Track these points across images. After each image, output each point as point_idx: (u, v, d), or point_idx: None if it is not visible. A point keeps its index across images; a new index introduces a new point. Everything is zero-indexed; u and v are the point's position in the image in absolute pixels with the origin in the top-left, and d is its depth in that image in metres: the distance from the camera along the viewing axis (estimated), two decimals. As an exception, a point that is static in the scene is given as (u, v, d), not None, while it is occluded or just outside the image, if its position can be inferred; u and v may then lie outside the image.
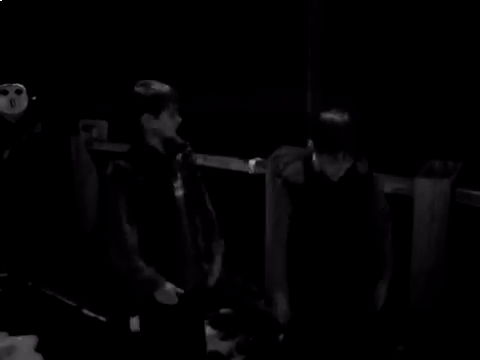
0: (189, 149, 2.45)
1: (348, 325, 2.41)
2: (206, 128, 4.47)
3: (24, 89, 4.39)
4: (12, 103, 4.32)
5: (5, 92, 4.31)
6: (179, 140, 2.41)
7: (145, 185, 2.23)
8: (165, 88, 2.25)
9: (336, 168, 2.20)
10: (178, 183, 2.34)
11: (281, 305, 2.42)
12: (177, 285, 2.31)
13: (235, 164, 3.96)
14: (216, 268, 2.53)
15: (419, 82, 3.49)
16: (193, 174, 2.45)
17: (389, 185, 3.08)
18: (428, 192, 2.99)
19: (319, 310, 2.41)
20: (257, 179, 3.73)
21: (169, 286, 2.24)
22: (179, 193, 2.34)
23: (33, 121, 4.51)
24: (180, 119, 2.30)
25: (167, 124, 2.26)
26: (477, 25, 3.23)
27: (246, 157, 3.85)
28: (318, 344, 2.50)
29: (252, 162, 3.82)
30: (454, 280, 3.13)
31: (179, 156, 2.37)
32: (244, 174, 3.89)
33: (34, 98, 4.52)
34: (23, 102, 4.38)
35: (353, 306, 2.39)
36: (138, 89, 2.23)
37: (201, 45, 4.67)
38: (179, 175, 2.35)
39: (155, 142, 2.29)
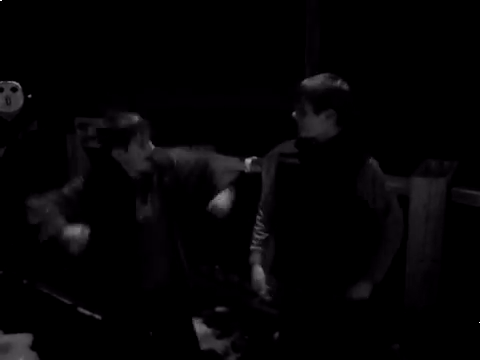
0: (173, 170, 2.47)
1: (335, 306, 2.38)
2: (201, 126, 4.47)
3: (20, 87, 4.38)
4: (7, 101, 4.31)
5: (0, 90, 4.30)
6: (162, 160, 2.45)
7: (105, 197, 2.34)
8: (132, 120, 2.29)
9: (311, 124, 2.22)
10: (144, 204, 2.39)
11: (255, 274, 2.45)
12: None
13: (231, 163, 3.95)
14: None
15: (415, 82, 3.50)
16: (172, 194, 2.47)
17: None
18: (424, 191, 3.00)
19: (305, 283, 2.40)
20: (253, 178, 3.73)
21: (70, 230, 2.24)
22: (145, 214, 2.39)
23: (29, 119, 4.50)
24: (152, 147, 2.35)
25: (136, 155, 2.31)
26: (474, 24, 3.24)
27: (242, 155, 3.85)
28: (311, 338, 2.51)
29: (248, 161, 3.82)
30: (450, 279, 3.14)
31: (155, 177, 2.41)
32: (240, 173, 3.89)
33: (30, 96, 4.51)
34: (19, 100, 4.37)
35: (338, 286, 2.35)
36: (106, 124, 2.31)
37: (196, 42, 4.67)
38: (149, 196, 2.40)
39: (128, 170, 2.37)
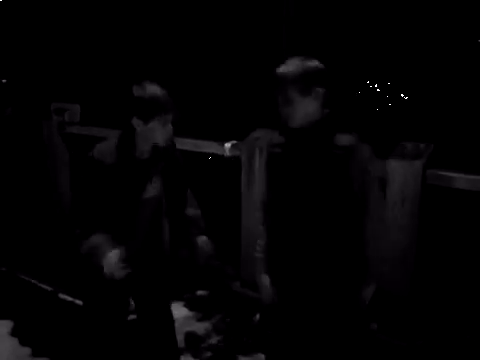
0: (176, 154, 2.46)
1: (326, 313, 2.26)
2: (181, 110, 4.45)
3: (-6, 72, 4.32)
4: (-18, 86, 4.25)
5: (-26, 75, 4.24)
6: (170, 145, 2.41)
7: (117, 178, 2.26)
8: (161, 96, 2.23)
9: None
10: (151, 186, 2.35)
11: (261, 287, 2.30)
12: None
13: (210, 147, 3.97)
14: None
15: (392, 66, 3.53)
16: (176, 178, 2.46)
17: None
18: (400, 174, 3.05)
19: (296, 291, 2.26)
20: (232, 162, 3.75)
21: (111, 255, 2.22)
22: (149, 195, 2.36)
23: (4, 105, 4.44)
24: (171, 128, 2.28)
25: (154, 132, 2.24)
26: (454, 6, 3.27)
27: (221, 140, 3.86)
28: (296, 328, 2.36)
29: (227, 145, 3.83)
30: (426, 260, 3.21)
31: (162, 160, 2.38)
32: (219, 157, 3.91)
33: (4, 81, 4.44)
34: (-7, 85, 4.31)
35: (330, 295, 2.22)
36: (136, 90, 2.21)
37: (180, 27, 4.63)
38: (155, 178, 2.36)
39: (141, 146, 2.29)
